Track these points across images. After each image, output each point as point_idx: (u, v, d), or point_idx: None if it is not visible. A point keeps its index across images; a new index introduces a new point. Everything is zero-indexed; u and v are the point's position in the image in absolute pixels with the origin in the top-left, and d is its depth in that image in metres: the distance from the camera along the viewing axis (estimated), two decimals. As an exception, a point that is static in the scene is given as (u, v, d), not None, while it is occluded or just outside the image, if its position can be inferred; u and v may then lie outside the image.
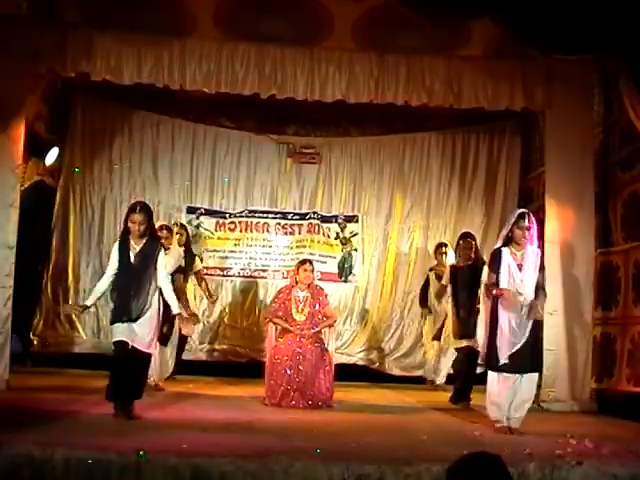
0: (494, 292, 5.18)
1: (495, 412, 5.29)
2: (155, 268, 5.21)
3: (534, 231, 5.29)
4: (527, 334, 5.16)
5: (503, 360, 5.15)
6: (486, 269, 5.46)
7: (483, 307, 5.50)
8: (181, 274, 7.12)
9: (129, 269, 5.18)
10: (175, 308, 5.32)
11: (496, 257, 5.29)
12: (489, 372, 5.32)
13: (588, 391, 6.90)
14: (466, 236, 7.05)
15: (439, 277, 7.72)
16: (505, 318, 5.17)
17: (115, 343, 5.16)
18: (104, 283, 5.30)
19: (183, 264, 7.28)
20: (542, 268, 5.31)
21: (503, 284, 5.20)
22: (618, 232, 6.98)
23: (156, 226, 6.50)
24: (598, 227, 7.15)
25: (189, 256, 7.68)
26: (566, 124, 7.13)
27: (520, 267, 5.22)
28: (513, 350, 5.13)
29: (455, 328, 6.76)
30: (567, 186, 7.10)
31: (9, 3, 6.58)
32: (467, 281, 6.65)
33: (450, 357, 7.49)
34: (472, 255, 6.84)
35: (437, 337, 7.99)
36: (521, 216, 5.27)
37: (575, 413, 6.69)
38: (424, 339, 8.43)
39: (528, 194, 8.85)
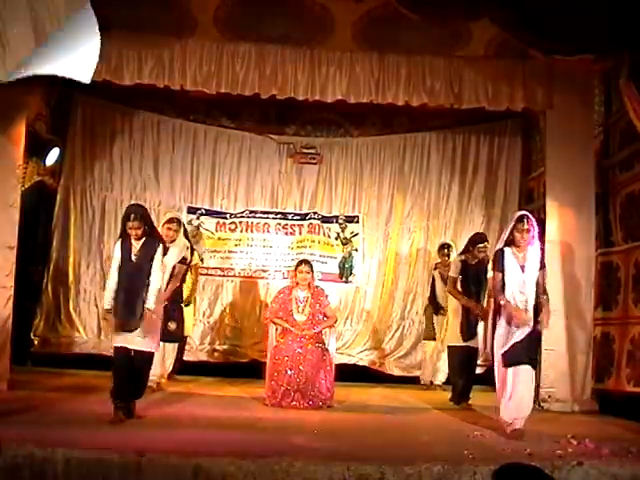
0: (501, 301, 5.19)
1: (513, 413, 5.13)
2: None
3: (534, 233, 5.30)
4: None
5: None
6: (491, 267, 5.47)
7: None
8: (184, 265, 7.06)
9: (131, 268, 5.18)
10: (149, 303, 5.09)
11: (499, 257, 5.29)
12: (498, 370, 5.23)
13: (588, 391, 6.89)
14: (483, 240, 6.84)
15: (444, 279, 7.67)
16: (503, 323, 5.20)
17: (115, 348, 5.17)
18: (113, 279, 5.22)
19: (189, 256, 7.27)
20: (543, 267, 5.33)
21: (508, 284, 5.20)
22: (618, 232, 6.98)
23: (166, 218, 6.59)
24: (598, 227, 7.15)
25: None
26: (567, 124, 7.12)
27: (522, 268, 5.23)
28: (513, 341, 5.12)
29: (463, 327, 6.72)
30: (568, 186, 7.09)
31: (10, 3, 6.58)
32: (475, 277, 6.71)
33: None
34: (484, 257, 6.77)
35: (432, 337, 8.01)
36: (520, 219, 5.25)
37: (575, 413, 6.69)
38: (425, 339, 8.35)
39: (528, 194, 8.85)
